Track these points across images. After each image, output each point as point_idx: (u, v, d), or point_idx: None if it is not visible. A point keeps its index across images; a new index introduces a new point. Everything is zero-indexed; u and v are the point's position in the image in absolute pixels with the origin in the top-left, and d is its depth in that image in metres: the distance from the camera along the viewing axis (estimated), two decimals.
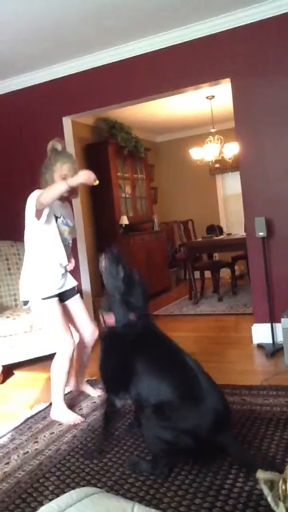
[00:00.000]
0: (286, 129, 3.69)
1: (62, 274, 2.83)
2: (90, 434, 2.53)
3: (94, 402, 2.98)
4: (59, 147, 2.84)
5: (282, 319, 3.30)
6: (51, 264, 2.78)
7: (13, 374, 3.82)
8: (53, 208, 2.75)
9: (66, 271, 2.87)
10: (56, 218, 2.79)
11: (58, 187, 2.58)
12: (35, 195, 2.63)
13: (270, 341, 3.71)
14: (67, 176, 2.69)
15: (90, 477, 2.10)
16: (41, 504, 1.85)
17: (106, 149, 6.29)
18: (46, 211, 2.63)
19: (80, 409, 2.89)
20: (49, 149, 2.86)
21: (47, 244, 2.76)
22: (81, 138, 5.94)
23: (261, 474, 1.77)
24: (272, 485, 1.71)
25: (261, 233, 3.63)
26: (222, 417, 2.01)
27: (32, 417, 2.85)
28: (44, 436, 2.58)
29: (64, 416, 2.73)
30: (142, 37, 3.96)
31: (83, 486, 1.99)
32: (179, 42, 3.93)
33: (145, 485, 1.98)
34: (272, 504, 1.65)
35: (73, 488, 1.93)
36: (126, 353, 2.21)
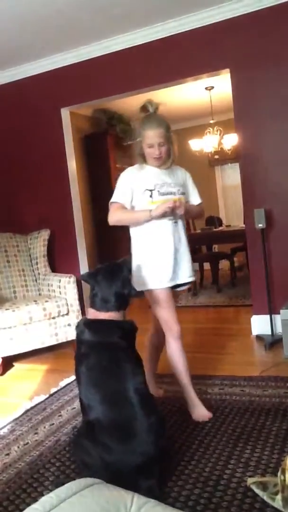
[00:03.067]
0: (285, 120, 3.67)
1: (173, 261, 2.47)
2: None
3: None
4: (150, 108, 2.47)
5: (282, 311, 3.31)
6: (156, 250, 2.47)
7: (12, 366, 3.83)
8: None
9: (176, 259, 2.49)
10: (150, 191, 2.44)
11: (138, 217, 2.45)
12: (113, 204, 2.50)
13: (269, 332, 3.72)
14: (154, 147, 2.38)
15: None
16: (41, 494, 1.87)
17: (105, 140, 6.26)
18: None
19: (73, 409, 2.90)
20: (140, 111, 2.51)
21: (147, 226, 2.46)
22: (79, 129, 5.91)
23: (250, 480, 1.79)
24: (264, 486, 1.73)
25: (260, 225, 3.63)
26: (150, 464, 1.77)
27: (31, 408, 2.86)
28: (44, 427, 2.59)
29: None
30: (141, 27, 3.92)
31: (83, 477, 2.01)
32: (178, 32, 3.90)
33: None
34: (270, 501, 1.67)
35: (73, 479, 1.94)
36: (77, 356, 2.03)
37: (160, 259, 2.45)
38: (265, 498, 1.69)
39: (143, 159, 2.48)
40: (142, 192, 2.42)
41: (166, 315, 2.48)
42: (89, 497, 1.11)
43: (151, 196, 2.41)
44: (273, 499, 1.66)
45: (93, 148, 6.25)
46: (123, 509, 1.06)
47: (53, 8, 3.42)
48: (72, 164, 4.61)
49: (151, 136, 2.38)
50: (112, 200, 2.50)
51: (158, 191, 2.41)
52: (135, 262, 2.49)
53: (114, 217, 2.49)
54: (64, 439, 2.42)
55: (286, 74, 3.63)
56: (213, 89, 5.94)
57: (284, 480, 1.64)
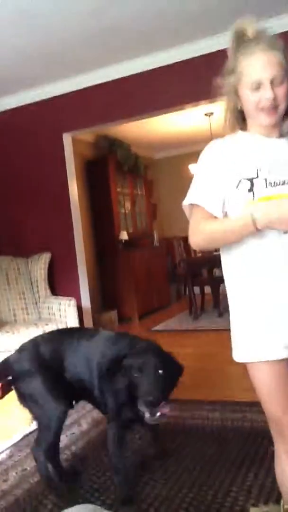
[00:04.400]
0: None
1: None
2: (89, 451, 2.50)
3: (95, 418, 2.95)
4: (249, 31, 1.38)
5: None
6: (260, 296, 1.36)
7: (11, 389, 3.78)
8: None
9: None
10: (251, 181, 1.34)
11: (235, 230, 1.32)
12: (186, 210, 1.52)
13: None
14: (264, 86, 1.32)
15: (89, 494, 2.07)
16: None
17: (106, 166, 6.35)
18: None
19: (79, 426, 2.86)
20: (232, 37, 1.43)
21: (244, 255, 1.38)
22: (81, 155, 5.99)
23: (253, 510, 1.75)
24: None
25: None
26: None
27: (30, 433, 2.82)
28: None
29: None
30: (141, 56, 4.02)
31: (82, 503, 1.97)
32: (178, 60, 3.99)
33: (145, 504, 1.95)
34: None
35: (72, 505, 1.91)
36: None
37: (269, 307, 1.34)
38: None
39: (240, 121, 1.48)
40: (234, 184, 1.35)
41: (275, 409, 1.42)
42: None
43: (251, 189, 1.33)
44: None
45: (94, 173, 6.33)
46: None
47: (55, 37, 3.51)
48: (74, 189, 4.66)
49: (257, 67, 1.32)
50: (189, 201, 1.46)
51: (265, 179, 1.33)
52: (233, 309, 1.46)
53: (201, 236, 1.42)
54: (63, 465, 2.37)
55: None
56: (213, 115, 6.04)
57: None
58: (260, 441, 2.39)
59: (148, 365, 1.93)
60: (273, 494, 1.89)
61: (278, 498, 1.81)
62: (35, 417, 2.22)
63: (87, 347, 2.20)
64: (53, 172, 4.61)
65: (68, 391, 2.17)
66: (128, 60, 4.08)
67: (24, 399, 2.25)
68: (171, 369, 2.00)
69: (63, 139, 4.57)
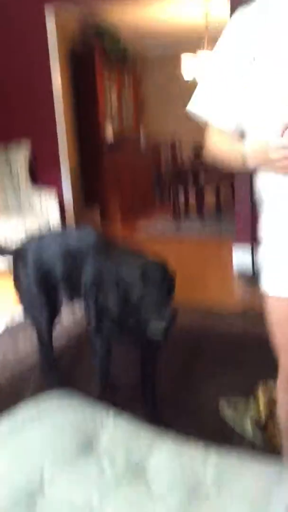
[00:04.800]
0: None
1: None
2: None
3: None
4: None
5: None
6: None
7: None
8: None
9: None
10: None
11: (230, 158, 1.20)
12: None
13: (250, 265, 3.73)
14: None
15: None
16: None
17: (92, 56, 5.87)
18: None
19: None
20: None
21: None
22: (66, 43, 5.50)
23: (222, 402, 1.84)
24: (235, 407, 1.80)
25: None
26: None
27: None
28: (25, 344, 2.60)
29: None
30: None
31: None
32: None
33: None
34: (237, 426, 1.74)
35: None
36: None
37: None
38: (234, 422, 1.76)
39: None
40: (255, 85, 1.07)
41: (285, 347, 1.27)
42: (59, 414, 1.11)
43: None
44: (242, 423, 1.73)
45: (79, 64, 5.86)
46: (96, 427, 1.07)
47: None
48: (57, 78, 4.42)
49: None
50: (191, 109, 1.29)
51: None
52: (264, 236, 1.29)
53: (209, 154, 1.30)
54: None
55: None
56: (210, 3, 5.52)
57: (257, 406, 1.71)
58: (228, 349, 2.44)
59: (153, 277, 1.67)
60: (244, 392, 1.97)
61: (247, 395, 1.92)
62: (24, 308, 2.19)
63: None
64: (35, 56, 4.27)
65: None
66: None
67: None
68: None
69: (46, 17, 4.15)
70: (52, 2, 4.14)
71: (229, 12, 3.56)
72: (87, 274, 1.84)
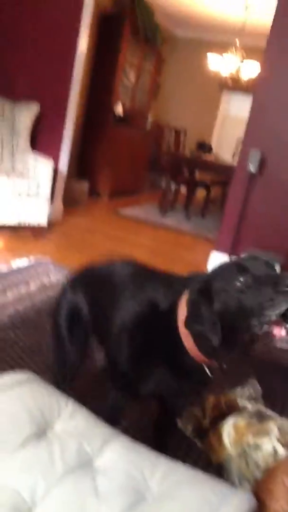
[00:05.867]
0: None
1: None
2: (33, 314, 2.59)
3: (44, 283, 3.03)
4: None
5: (243, 255, 3.38)
6: None
7: None
8: None
9: None
10: None
11: None
12: None
13: None
14: None
15: (28, 353, 2.18)
16: None
17: (122, 26, 5.73)
18: None
19: (26, 285, 2.93)
20: None
21: None
22: (98, 5, 5.35)
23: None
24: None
25: (252, 166, 3.57)
26: None
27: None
28: None
29: None
30: None
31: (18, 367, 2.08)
32: None
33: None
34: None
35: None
36: None
37: None
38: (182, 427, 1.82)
39: None
40: None
41: None
42: (23, 394, 1.13)
43: None
44: (186, 428, 1.80)
45: (107, 30, 5.72)
46: (53, 415, 1.09)
47: None
48: (84, 41, 4.21)
49: None
50: None
51: None
52: None
53: None
54: (5, 320, 2.47)
55: None
56: (251, 7, 5.47)
57: (203, 417, 1.78)
58: None
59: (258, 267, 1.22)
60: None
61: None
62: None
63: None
64: (67, 16, 4.12)
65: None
66: None
67: None
68: None
69: None
70: None
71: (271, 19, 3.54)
72: (119, 315, 1.48)
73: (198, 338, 1.25)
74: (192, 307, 1.24)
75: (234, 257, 1.29)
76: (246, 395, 2.01)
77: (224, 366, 1.30)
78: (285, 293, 1.11)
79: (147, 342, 1.36)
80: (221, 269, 1.26)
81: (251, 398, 2.01)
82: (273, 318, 1.14)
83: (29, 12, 4.22)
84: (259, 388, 2.06)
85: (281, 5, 3.49)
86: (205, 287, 1.23)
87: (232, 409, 1.83)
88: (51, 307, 2.30)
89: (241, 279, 1.17)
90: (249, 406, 1.86)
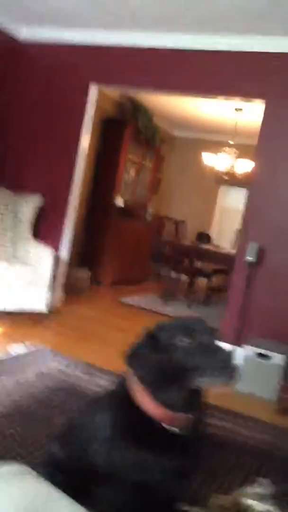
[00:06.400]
0: None
1: None
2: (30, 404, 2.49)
3: (42, 372, 2.94)
4: None
5: (246, 346, 3.32)
6: None
7: None
8: None
9: None
10: None
11: None
12: None
13: None
14: None
15: (22, 444, 2.06)
16: None
17: (124, 129, 6.19)
18: None
19: (23, 373, 2.85)
20: None
21: None
22: (102, 110, 5.83)
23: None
24: None
25: (250, 258, 3.64)
26: None
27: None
28: None
29: None
30: (191, 32, 3.85)
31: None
32: (226, 49, 3.83)
33: None
34: None
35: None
36: None
37: None
38: None
39: None
40: None
41: None
42: (13, 487, 1.06)
43: None
44: None
45: (110, 132, 6.17)
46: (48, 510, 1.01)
47: None
48: (86, 142, 4.52)
49: None
50: None
51: None
52: None
53: None
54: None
55: None
56: (241, 111, 5.93)
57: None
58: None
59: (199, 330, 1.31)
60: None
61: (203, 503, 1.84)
62: None
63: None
64: (71, 118, 4.47)
65: None
66: (176, 31, 3.89)
67: None
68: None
69: (90, 89, 4.41)
70: (96, 82, 4.41)
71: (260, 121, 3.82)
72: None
73: (147, 385, 1.30)
74: (136, 345, 1.34)
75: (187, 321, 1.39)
76: (255, 494, 1.86)
77: (190, 416, 1.30)
78: (223, 370, 1.22)
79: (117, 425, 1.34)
80: (172, 325, 1.36)
81: (260, 498, 1.86)
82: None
83: (37, 112, 4.59)
84: (271, 486, 1.91)
85: (268, 108, 3.79)
86: (152, 333, 1.35)
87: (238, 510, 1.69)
88: (48, 397, 2.23)
89: (187, 339, 1.28)
90: (259, 507, 1.72)
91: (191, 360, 1.25)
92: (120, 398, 1.38)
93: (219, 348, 1.27)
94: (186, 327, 1.32)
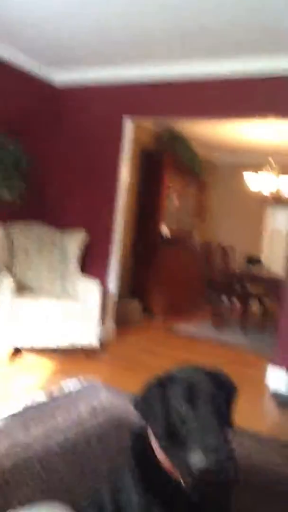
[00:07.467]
0: None
1: None
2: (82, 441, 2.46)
3: (94, 407, 2.92)
4: None
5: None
6: None
7: (20, 352, 3.82)
8: None
9: None
10: None
11: None
12: None
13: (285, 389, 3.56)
14: None
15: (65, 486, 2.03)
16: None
17: (163, 159, 6.25)
18: None
19: (76, 411, 2.84)
20: None
21: None
22: (141, 142, 5.93)
23: None
24: None
25: None
26: None
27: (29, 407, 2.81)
28: (37, 429, 2.53)
29: None
30: (229, 58, 3.85)
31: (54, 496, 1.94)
32: (264, 74, 3.79)
33: None
34: None
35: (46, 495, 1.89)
36: None
37: None
38: None
39: None
40: None
41: None
42: None
43: None
44: None
45: (150, 163, 6.25)
46: None
47: (140, 23, 3.44)
48: (125, 174, 4.60)
49: None
50: None
51: None
52: None
53: None
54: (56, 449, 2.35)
55: None
56: (282, 131, 5.84)
57: None
58: (246, 473, 2.28)
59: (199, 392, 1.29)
60: None
61: None
62: None
63: None
64: (108, 152, 4.58)
65: None
66: (212, 59, 3.92)
67: None
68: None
69: (125, 123, 4.51)
70: (130, 114, 4.51)
71: None
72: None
73: (162, 444, 1.29)
74: (146, 392, 1.34)
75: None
76: None
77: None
78: (209, 455, 1.15)
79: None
80: (180, 380, 1.32)
81: None
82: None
83: (76, 150, 4.74)
84: None
85: None
86: (162, 381, 1.34)
87: None
88: (99, 433, 2.19)
89: (185, 407, 1.25)
90: None
91: (184, 429, 1.23)
92: (144, 459, 1.35)
93: (213, 431, 1.19)
94: (192, 387, 1.29)
